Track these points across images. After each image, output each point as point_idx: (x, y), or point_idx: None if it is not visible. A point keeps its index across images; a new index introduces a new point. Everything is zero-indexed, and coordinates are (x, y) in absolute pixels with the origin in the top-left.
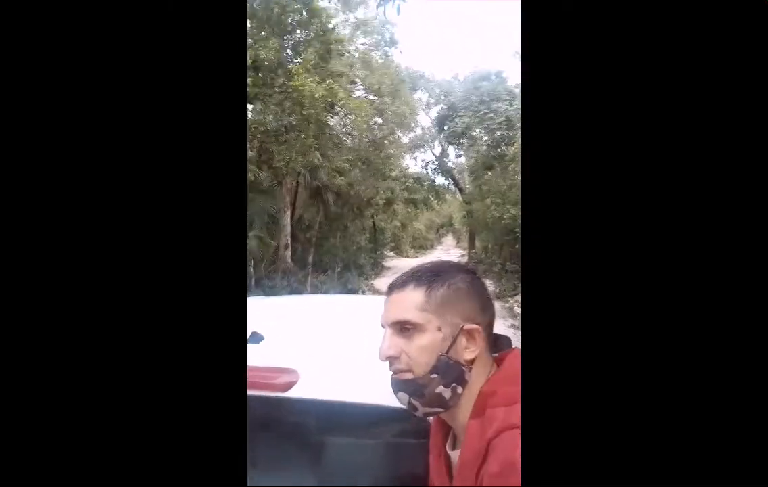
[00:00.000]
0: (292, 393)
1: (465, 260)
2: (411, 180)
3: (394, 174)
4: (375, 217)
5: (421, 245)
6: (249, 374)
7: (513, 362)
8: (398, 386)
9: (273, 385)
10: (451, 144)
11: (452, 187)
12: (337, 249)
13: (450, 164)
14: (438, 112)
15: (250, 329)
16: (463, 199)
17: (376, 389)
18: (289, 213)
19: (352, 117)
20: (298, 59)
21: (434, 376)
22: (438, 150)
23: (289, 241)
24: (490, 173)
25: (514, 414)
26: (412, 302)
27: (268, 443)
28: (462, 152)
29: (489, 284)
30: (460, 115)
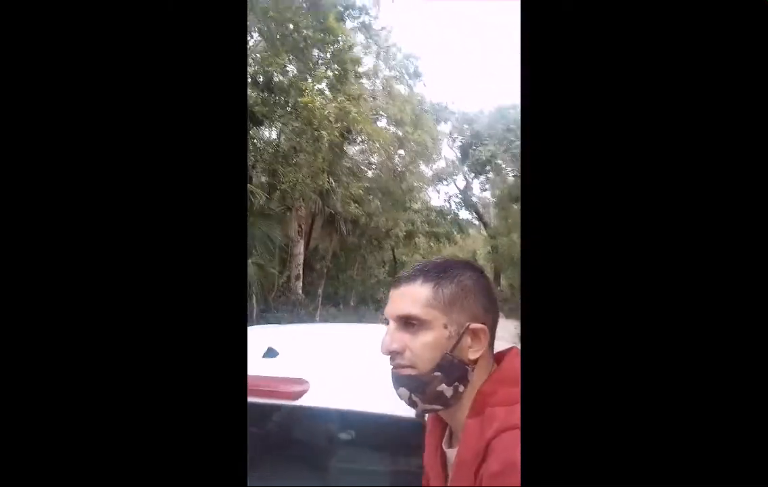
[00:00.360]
0: (302, 402)
1: None
2: (434, 213)
3: (416, 207)
4: (395, 250)
5: None
6: (260, 383)
7: (513, 362)
8: (399, 381)
9: (283, 393)
10: (476, 173)
11: (476, 221)
12: (353, 281)
13: (474, 199)
14: (462, 141)
15: (266, 346)
16: (488, 234)
17: (387, 400)
18: (302, 242)
19: (371, 144)
20: (310, 78)
21: (437, 374)
22: (462, 183)
23: (301, 272)
24: (516, 206)
25: (515, 414)
26: (419, 297)
27: (278, 451)
28: (487, 186)
29: (516, 327)
30: (484, 144)
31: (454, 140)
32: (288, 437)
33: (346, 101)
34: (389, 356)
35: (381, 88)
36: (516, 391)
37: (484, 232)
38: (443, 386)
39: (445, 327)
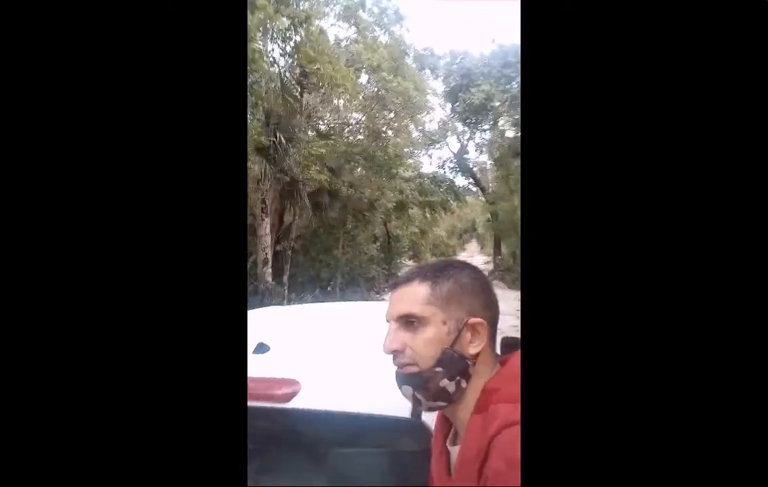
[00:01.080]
0: (293, 404)
1: (490, 267)
2: (427, 180)
3: (406, 175)
4: (388, 223)
5: (443, 252)
6: (250, 385)
7: (517, 361)
8: (402, 379)
9: (274, 396)
10: (467, 123)
11: (473, 187)
12: (338, 262)
13: (470, 163)
14: (451, 83)
15: (258, 340)
16: (486, 200)
17: (380, 398)
18: (268, 220)
19: (335, 90)
20: None
21: (439, 369)
22: (456, 146)
23: (269, 256)
24: (517, 162)
25: (518, 411)
26: (417, 295)
27: (273, 455)
28: (483, 149)
29: (517, 298)
30: (477, 84)
31: (437, 78)
32: (288, 430)
33: (271, 11)
34: (392, 357)
35: (356, 34)
36: (519, 388)
37: (482, 198)
38: (445, 382)
39: (444, 323)
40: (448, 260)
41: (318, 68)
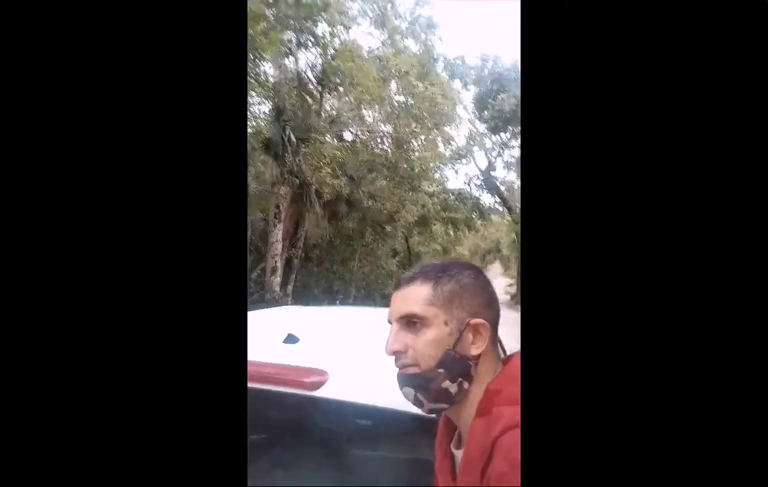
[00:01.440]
0: (321, 393)
1: (513, 290)
2: (452, 196)
3: (431, 189)
4: (409, 239)
5: None
6: (280, 372)
7: (519, 363)
8: (404, 380)
9: (302, 383)
10: (497, 132)
11: (500, 207)
12: (352, 275)
13: (497, 181)
14: (481, 88)
15: (287, 332)
16: (513, 220)
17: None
18: (281, 226)
19: (357, 93)
20: None
21: (440, 370)
22: (484, 163)
23: (278, 264)
24: None
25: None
26: (419, 296)
27: (297, 444)
28: (513, 166)
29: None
30: (508, 91)
31: (467, 87)
32: (307, 423)
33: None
34: (394, 358)
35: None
36: None
37: (508, 217)
38: (447, 383)
39: (446, 324)
40: (449, 261)
41: (338, 64)
